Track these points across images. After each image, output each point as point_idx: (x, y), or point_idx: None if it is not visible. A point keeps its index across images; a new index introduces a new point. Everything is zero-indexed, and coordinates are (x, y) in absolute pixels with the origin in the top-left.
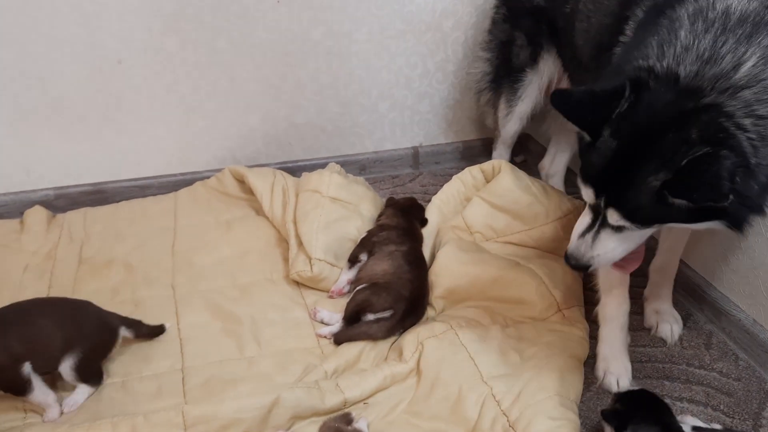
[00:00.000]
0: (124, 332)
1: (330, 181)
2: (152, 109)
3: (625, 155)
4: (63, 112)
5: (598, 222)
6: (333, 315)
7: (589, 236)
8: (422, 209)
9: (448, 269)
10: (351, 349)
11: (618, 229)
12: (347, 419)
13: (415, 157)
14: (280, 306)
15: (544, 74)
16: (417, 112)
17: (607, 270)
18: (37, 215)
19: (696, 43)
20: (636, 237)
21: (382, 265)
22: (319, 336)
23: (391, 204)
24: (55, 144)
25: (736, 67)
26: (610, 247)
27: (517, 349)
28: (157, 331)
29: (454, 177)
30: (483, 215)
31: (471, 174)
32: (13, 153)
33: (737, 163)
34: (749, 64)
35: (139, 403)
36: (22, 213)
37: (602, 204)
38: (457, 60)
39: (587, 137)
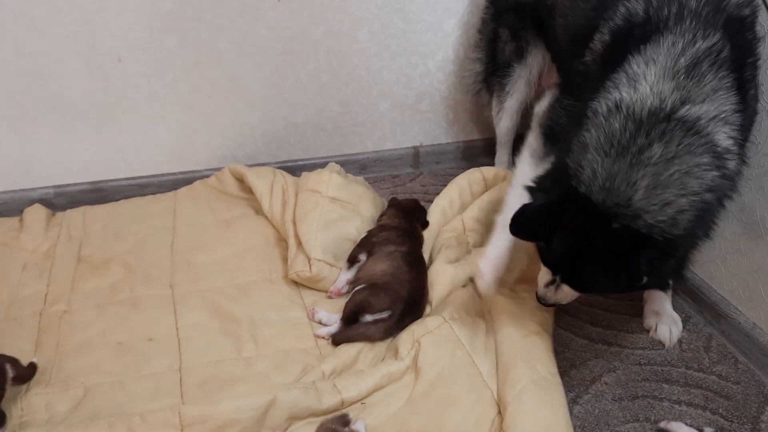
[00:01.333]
0: (8, 370)
1: (329, 180)
2: (152, 107)
3: (569, 256)
4: (63, 110)
5: (558, 281)
6: (331, 316)
7: (552, 287)
8: (424, 211)
9: (439, 277)
10: (349, 350)
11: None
12: (344, 420)
13: (415, 156)
14: (278, 306)
15: (532, 68)
16: (417, 111)
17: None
18: (36, 213)
19: (609, 150)
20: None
21: (381, 266)
22: (317, 337)
23: (393, 204)
24: (55, 142)
25: (635, 190)
26: (570, 295)
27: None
28: (30, 371)
29: (455, 179)
30: (478, 220)
31: (473, 178)
32: (12, 151)
33: (653, 255)
34: (641, 191)
35: (136, 403)
36: (21, 211)
37: (558, 280)
38: (458, 59)
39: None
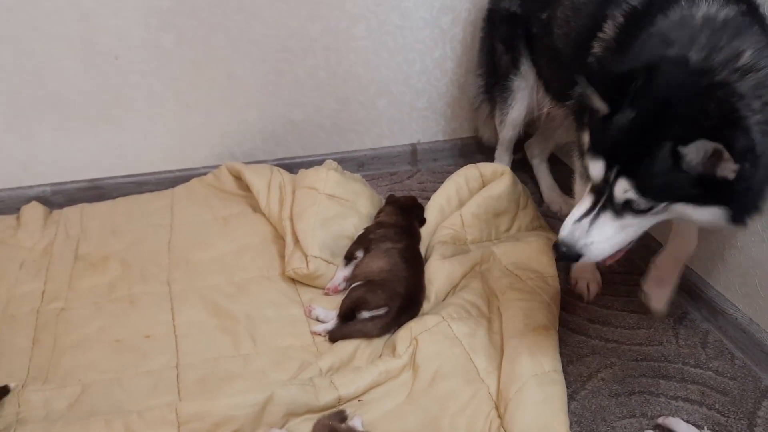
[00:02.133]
0: None
1: (327, 178)
2: (149, 105)
3: (642, 124)
4: (60, 108)
5: (600, 204)
6: (328, 313)
7: (586, 221)
8: (422, 208)
9: (437, 274)
10: (346, 346)
11: (620, 211)
12: (341, 417)
13: (413, 154)
14: (276, 303)
15: (529, 77)
16: (415, 108)
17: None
18: (33, 211)
19: (697, 37)
20: (634, 227)
21: (378, 263)
22: (314, 334)
23: (391, 202)
24: (52, 140)
25: (737, 56)
26: (607, 235)
27: (494, 342)
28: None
29: (451, 176)
30: (477, 216)
31: (470, 174)
32: (9, 149)
33: (747, 146)
34: (747, 54)
35: (134, 400)
36: (18, 209)
37: (612, 177)
38: (455, 57)
39: (604, 110)
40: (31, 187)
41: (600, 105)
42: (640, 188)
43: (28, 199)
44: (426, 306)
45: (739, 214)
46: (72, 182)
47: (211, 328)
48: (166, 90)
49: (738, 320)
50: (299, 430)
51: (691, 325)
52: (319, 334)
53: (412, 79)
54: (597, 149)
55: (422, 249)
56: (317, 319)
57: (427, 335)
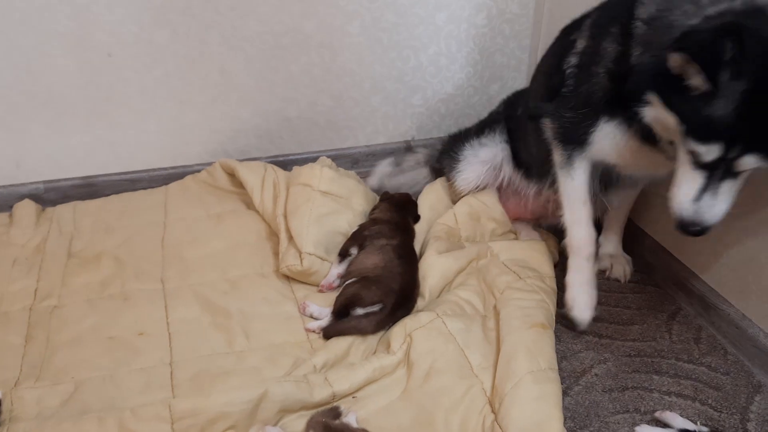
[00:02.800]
0: None
1: (321, 174)
2: (142, 102)
3: (760, 94)
4: (53, 105)
5: (717, 176)
6: (322, 309)
7: (707, 195)
8: (416, 205)
9: (431, 270)
10: (340, 343)
11: (737, 175)
12: (335, 413)
13: (408, 150)
14: (270, 300)
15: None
16: (410, 105)
17: (572, 204)
18: (26, 208)
19: None
20: (741, 184)
21: (372, 259)
22: (308, 330)
23: (385, 198)
24: (45, 137)
25: None
26: (729, 201)
27: (489, 339)
28: None
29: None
30: (470, 215)
31: None
32: (2, 146)
33: None
34: None
35: (127, 397)
36: (11, 206)
37: (734, 155)
38: (450, 53)
39: (705, 88)
40: (23, 184)
41: (699, 82)
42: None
43: (21, 197)
44: (421, 303)
45: None
46: (65, 179)
47: (205, 325)
48: (159, 87)
49: (731, 316)
50: (293, 426)
51: (684, 320)
52: (314, 331)
53: (407, 76)
54: (710, 134)
55: (417, 245)
56: (311, 316)
57: (421, 332)
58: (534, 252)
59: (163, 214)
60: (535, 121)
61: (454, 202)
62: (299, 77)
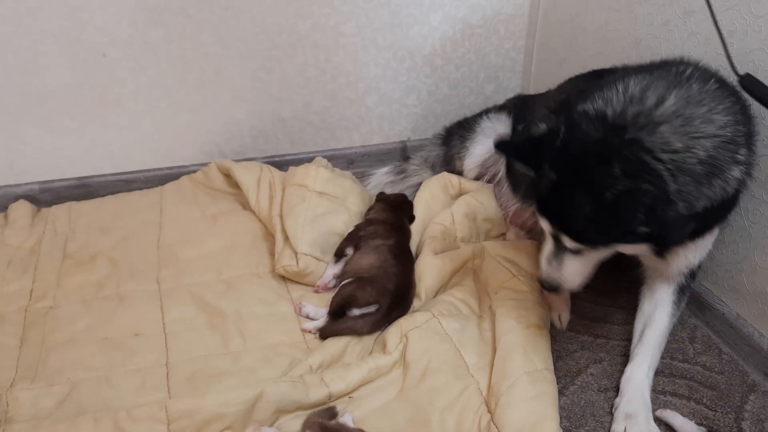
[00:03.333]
0: None
1: (317, 175)
2: (137, 102)
3: (564, 186)
4: (47, 105)
5: (560, 247)
6: (318, 310)
7: (555, 261)
8: (412, 206)
9: (427, 270)
10: (336, 343)
11: (577, 252)
12: (331, 413)
13: (403, 151)
14: (265, 300)
15: None
16: (405, 105)
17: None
18: (21, 209)
19: (628, 89)
20: (593, 257)
21: (368, 259)
22: (304, 331)
23: (381, 199)
24: (40, 138)
25: (658, 104)
26: (574, 269)
27: (485, 339)
28: None
29: (434, 177)
30: (467, 215)
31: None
32: None
33: (657, 196)
34: (670, 102)
35: (123, 398)
36: (6, 207)
37: (556, 231)
38: (444, 53)
39: (531, 173)
40: (18, 185)
41: (524, 169)
42: (580, 241)
43: (16, 198)
44: (417, 303)
45: (661, 250)
46: (60, 180)
47: (201, 326)
48: (154, 87)
49: (725, 315)
50: (289, 427)
51: (678, 320)
52: (310, 332)
53: (402, 76)
54: (539, 209)
55: (413, 244)
56: (307, 317)
57: (417, 332)
58: (524, 254)
59: (158, 215)
60: None
61: (454, 196)
62: (294, 77)
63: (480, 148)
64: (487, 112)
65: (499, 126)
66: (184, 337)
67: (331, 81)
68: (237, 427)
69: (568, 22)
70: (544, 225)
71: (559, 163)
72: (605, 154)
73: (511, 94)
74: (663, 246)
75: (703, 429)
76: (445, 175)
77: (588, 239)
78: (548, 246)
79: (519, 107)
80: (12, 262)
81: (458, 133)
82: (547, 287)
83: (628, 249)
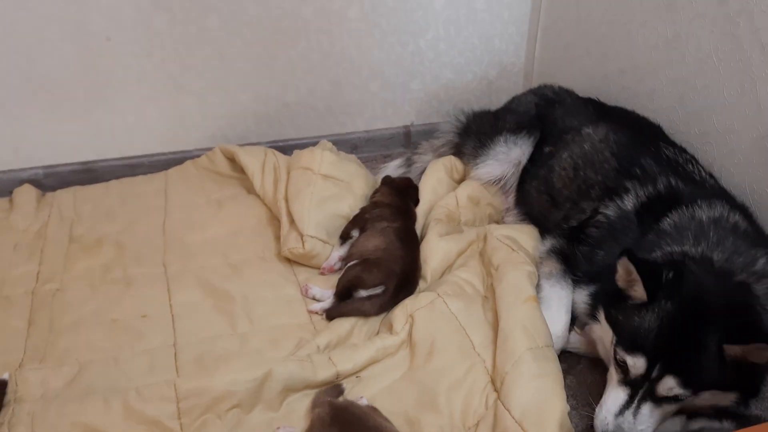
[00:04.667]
0: None
1: (322, 158)
2: (141, 87)
3: (684, 320)
4: (51, 90)
5: (639, 395)
6: (324, 291)
7: (628, 413)
8: (417, 189)
9: (433, 253)
10: (343, 324)
11: (660, 401)
12: (338, 391)
13: (406, 136)
14: (272, 283)
15: None
16: (408, 90)
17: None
18: (26, 194)
19: (722, 242)
20: (669, 413)
21: (373, 241)
22: (311, 312)
23: (386, 182)
24: (44, 122)
25: (753, 261)
26: (651, 423)
27: (489, 319)
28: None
29: (439, 159)
30: (471, 198)
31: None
32: (0, 131)
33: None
34: (761, 261)
35: (132, 378)
36: (10, 192)
37: (654, 373)
38: (449, 38)
39: (641, 298)
40: (23, 169)
41: (640, 292)
42: (686, 383)
43: (21, 182)
44: (422, 285)
45: (748, 396)
46: (64, 165)
47: (208, 308)
48: (157, 72)
49: None
50: (298, 405)
51: None
52: (317, 313)
53: (405, 61)
54: (635, 344)
55: (417, 228)
56: (314, 299)
57: (422, 312)
58: (524, 234)
59: (163, 200)
60: None
61: (459, 180)
62: (298, 62)
63: (487, 171)
64: (504, 130)
65: (514, 151)
66: (191, 319)
67: (335, 66)
68: (246, 405)
69: (573, 5)
70: (639, 366)
71: (676, 297)
72: (726, 294)
73: (514, 79)
74: (751, 393)
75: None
76: (451, 159)
77: (699, 384)
78: (617, 396)
79: (544, 124)
80: (18, 245)
81: (475, 138)
82: None
83: (715, 398)
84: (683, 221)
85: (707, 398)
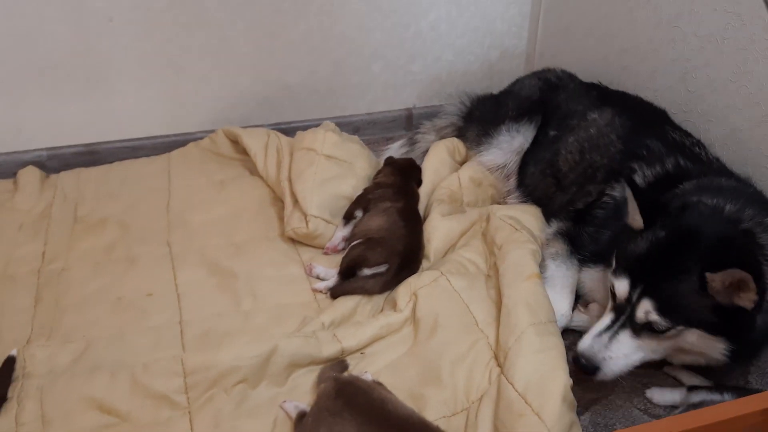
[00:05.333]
0: None
1: (324, 139)
2: (142, 68)
3: (671, 246)
4: (52, 71)
5: (620, 321)
6: (328, 270)
7: (606, 336)
8: (420, 170)
9: (436, 232)
10: (347, 302)
11: (638, 330)
12: (343, 366)
13: (408, 119)
14: (275, 262)
15: None
16: (410, 72)
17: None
18: (30, 175)
19: (735, 199)
20: (647, 349)
21: (377, 221)
22: (315, 291)
23: (389, 163)
24: (46, 104)
25: (763, 214)
26: (624, 351)
27: (492, 297)
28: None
29: (441, 141)
30: (473, 180)
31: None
32: (3, 113)
33: (764, 285)
34: None
35: (138, 354)
36: (14, 174)
37: (635, 297)
38: (450, 20)
39: (638, 225)
40: (26, 151)
41: (636, 218)
42: (662, 309)
43: (24, 164)
44: (426, 264)
45: (739, 351)
46: (67, 147)
47: (212, 286)
48: (158, 54)
49: None
50: (303, 381)
51: None
52: (321, 291)
53: (407, 43)
54: (623, 267)
55: (421, 209)
56: (318, 277)
57: (426, 290)
58: (527, 214)
59: (167, 180)
60: None
61: (461, 162)
62: (299, 44)
63: (491, 159)
64: (507, 119)
65: (517, 140)
66: (196, 297)
67: (336, 47)
68: (252, 380)
69: None
70: (622, 288)
71: (673, 227)
72: (726, 232)
73: (516, 61)
74: (742, 348)
75: (710, 382)
76: (453, 140)
77: (676, 314)
78: (603, 320)
79: (547, 108)
80: (23, 225)
81: (478, 125)
82: (583, 366)
83: (701, 344)
84: (700, 184)
85: (693, 342)
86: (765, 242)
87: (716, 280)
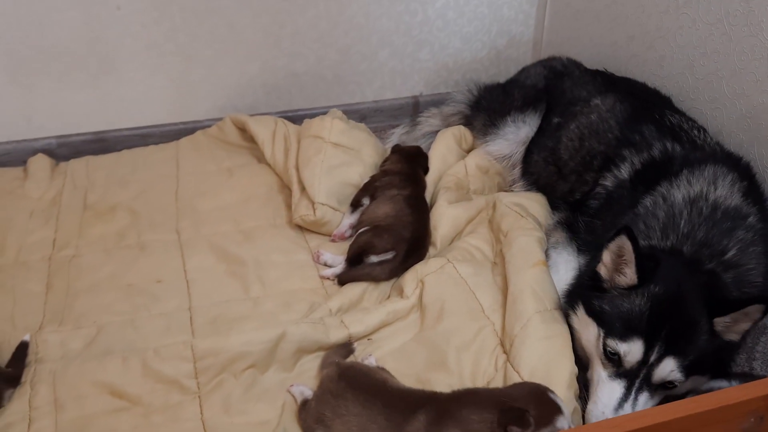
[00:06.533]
0: None
1: (332, 126)
2: (151, 57)
3: (677, 301)
4: (62, 59)
5: (635, 386)
6: (336, 257)
7: (627, 406)
8: (427, 158)
9: (442, 220)
10: (354, 288)
11: (655, 389)
12: (347, 351)
13: (415, 106)
14: (283, 249)
15: None
16: (417, 60)
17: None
18: (40, 163)
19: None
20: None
21: (383, 208)
22: (323, 277)
23: (396, 150)
24: (55, 92)
25: (722, 252)
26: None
27: (498, 284)
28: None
29: (448, 129)
30: (480, 167)
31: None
32: (13, 101)
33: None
34: (730, 253)
35: (149, 340)
36: (24, 161)
37: (653, 357)
38: (458, 7)
39: (632, 281)
40: (36, 139)
41: (630, 275)
42: (686, 366)
43: (34, 152)
44: (432, 252)
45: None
46: (76, 135)
47: (221, 273)
48: (167, 41)
49: None
50: (311, 366)
51: None
52: (328, 278)
53: (414, 30)
54: (629, 329)
55: (427, 196)
56: (325, 264)
57: (432, 277)
58: (533, 202)
59: (175, 168)
60: None
61: (467, 150)
62: (306, 32)
63: (497, 149)
64: (513, 109)
65: (523, 130)
66: (205, 284)
67: (343, 35)
68: (261, 366)
69: None
70: (635, 351)
71: (665, 282)
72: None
73: (524, 49)
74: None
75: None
76: (460, 128)
77: (694, 367)
78: (613, 390)
79: (552, 95)
80: (34, 213)
81: (485, 114)
82: None
83: (695, 383)
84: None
85: (687, 386)
86: (728, 280)
87: (720, 324)
